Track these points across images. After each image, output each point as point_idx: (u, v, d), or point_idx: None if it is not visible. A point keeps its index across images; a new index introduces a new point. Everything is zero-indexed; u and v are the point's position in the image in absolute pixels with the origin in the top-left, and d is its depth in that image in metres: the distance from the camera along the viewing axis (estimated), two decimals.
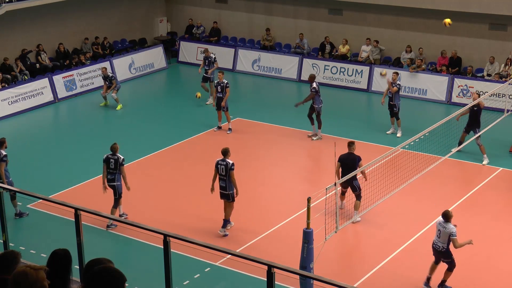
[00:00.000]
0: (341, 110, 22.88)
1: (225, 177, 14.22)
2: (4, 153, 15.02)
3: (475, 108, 17.57)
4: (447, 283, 12.43)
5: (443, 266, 12.45)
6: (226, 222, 14.51)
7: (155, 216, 15.14)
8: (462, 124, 18.11)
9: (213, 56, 22.72)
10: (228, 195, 14.35)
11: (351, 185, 14.73)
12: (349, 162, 14.57)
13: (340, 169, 14.70)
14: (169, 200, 16.24)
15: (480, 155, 18.00)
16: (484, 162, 17.89)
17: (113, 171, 14.70)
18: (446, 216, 12.17)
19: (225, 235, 14.41)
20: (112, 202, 14.84)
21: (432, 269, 12.48)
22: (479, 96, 17.81)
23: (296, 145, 19.66)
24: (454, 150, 17.29)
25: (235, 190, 14.32)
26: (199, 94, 22.22)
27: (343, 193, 15.29)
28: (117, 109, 22.56)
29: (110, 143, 14.97)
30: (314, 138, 19.70)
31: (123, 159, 14.75)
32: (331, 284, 7.18)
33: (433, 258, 12.48)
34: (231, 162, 14.19)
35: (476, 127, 17.74)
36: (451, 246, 12.18)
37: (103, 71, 22.64)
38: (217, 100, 20.19)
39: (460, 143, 17.90)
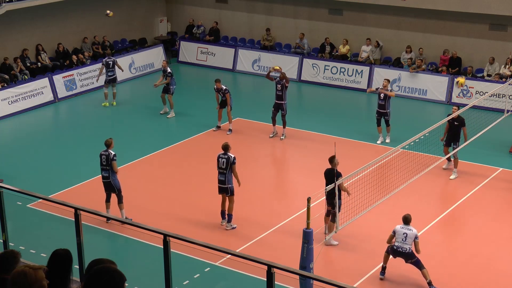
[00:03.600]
0: (341, 110, 22.89)
1: (225, 171, 14.27)
2: None
3: (456, 123, 16.98)
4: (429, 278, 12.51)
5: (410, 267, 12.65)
6: (230, 216, 14.57)
7: (154, 216, 15.14)
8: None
9: (168, 70, 21.53)
10: (227, 189, 14.38)
11: (332, 203, 13.37)
12: (331, 178, 13.39)
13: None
14: (168, 200, 16.23)
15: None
16: (452, 177, 17.22)
17: (105, 167, 14.50)
18: (407, 220, 12.69)
19: (233, 228, 14.57)
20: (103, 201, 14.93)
21: (386, 258, 12.81)
22: (458, 109, 16.93)
23: (296, 145, 19.65)
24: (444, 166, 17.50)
25: (237, 182, 14.35)
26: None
27: (327, 214, 13.82)
28: (105, 104, 22.76)
29: None
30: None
31: (114, 154, 14.43)
32: (331, 284, 7.18)
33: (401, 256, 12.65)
34: (233, 156, 14.28)
35: (456, 141, 17.07)
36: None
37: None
38: (221, 103, 20.21)
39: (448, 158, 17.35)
